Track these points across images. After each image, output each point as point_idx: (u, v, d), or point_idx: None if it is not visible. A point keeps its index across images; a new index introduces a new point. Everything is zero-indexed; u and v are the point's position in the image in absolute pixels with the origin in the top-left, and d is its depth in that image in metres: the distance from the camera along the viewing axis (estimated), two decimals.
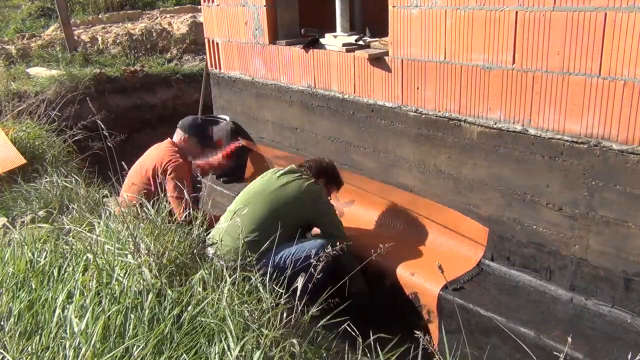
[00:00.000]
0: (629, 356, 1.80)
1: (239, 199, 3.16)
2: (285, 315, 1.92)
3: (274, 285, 2.14)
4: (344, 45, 3.50)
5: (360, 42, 3.52)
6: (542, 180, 2.66)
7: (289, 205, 3.02)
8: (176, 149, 3.56)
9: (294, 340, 1.79)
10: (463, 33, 2.78)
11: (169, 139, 3.66)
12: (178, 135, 3.65)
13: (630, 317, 2.47)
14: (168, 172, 3.34)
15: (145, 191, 3.16)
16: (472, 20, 2.72)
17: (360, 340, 1.90)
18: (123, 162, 2.99)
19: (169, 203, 2.96)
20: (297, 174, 3.16)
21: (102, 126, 3.17)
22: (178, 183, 3.14)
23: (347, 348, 1.99)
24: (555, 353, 2.24)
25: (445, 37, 2.87)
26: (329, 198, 3.32)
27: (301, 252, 2.85)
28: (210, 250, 2.62)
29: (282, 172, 3.17)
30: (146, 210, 2.55)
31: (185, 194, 2.74)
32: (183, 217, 2.68)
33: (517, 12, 2.53)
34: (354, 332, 1.97)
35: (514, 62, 2.61)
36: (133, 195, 3.03)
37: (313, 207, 3.11)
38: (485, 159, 2.87)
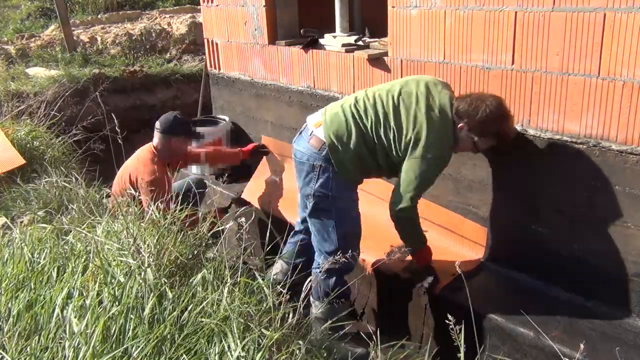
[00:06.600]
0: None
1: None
2: (289, 315, 1.91)
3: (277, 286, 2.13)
4: (343, 45, 3.50)
5: (360, 43, 3.52)
6: (542, 180, 2.66)
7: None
8: (155, 156, 3.34)
9: (300, 342, 1.79)
10: (462, 33, 2.78)
11: (151, 144, 3.42)
12: (159, 140, 3.38)
13: (630, 317, 2.48)
14: (142, 188, 3.11)
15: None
16: (471, 21, 2.72)
17: (373, 344, 1.88)
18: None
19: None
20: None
21: (109, 121, 3.04)
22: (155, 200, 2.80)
23: (349, 350, 1.99)
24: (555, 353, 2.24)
25: (444, 38, 2.87)
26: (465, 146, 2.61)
27: None
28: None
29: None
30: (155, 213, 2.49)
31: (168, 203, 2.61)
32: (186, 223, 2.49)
33: (516, 13, 2.53)
34: (363, 335, 1.97)
35: (513, 63, 2.61)
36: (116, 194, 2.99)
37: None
38: (484, 159, 2.87)
